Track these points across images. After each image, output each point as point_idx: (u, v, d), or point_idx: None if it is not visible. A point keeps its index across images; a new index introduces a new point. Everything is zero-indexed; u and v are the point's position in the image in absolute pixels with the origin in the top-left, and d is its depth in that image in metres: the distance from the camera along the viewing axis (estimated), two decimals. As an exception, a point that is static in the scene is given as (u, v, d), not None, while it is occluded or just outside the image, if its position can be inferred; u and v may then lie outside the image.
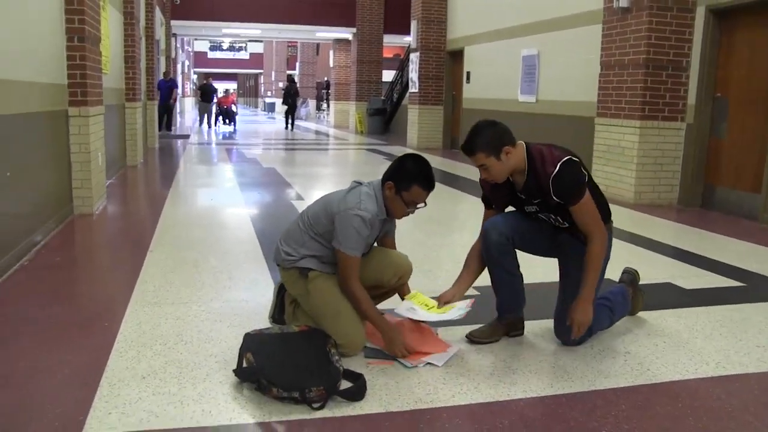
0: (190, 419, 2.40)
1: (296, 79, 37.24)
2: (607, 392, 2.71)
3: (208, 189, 8.77)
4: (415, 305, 3.12)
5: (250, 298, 3.84)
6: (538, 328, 3.36)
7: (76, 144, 6.03)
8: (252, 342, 2.78)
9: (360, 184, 3.09)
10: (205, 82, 22.82)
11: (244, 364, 2.68)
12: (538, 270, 3.74)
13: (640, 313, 3.65)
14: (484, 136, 2.92)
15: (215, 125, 22.74)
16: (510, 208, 3.24)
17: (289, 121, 22.83)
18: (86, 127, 6.05)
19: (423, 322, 3.09)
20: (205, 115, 22.38)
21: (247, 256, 4.82)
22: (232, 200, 7.63)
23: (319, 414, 2.45)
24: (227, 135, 19.34)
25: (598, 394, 2.69)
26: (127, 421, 2.37)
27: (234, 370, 2.70)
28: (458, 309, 3.04)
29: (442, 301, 3.11)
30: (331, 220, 2.98)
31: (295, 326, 3.00)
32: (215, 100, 22.75)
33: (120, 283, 4.24)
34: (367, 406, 2.53)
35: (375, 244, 3.25)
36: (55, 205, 5.57)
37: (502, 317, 3.27)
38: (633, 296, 3.55)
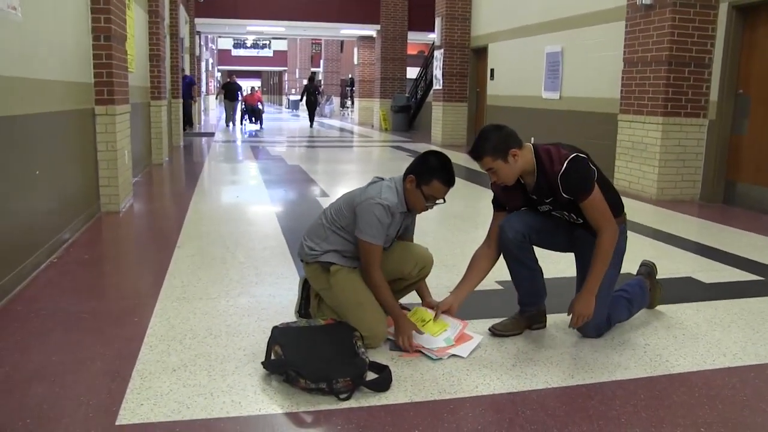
0: (220, 410, 2.49)
1: (320, 77, 37.80)
2: (626, 383, 2.77)
3: (233, 186, 8.90)
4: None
5: (277, 294, 3.92)
6: (559, 320, 3.41)
7: (102, 142, 6.15)
8: (280, 335, 2.86)
9: (381, 179, 3.18)
10: (228, 80, 22.73)
11: (273, 357, 2.77)
12: (560, 264, 3.79)
13: (660, 307, 3.69)
14: (491, 140, 2.97)
15: (241, 124, 22.37)
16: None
17: (311, 117, 23.57)
18: (113, 126, 6.17)
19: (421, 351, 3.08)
20: (231, 114, 22.10)
21: (273, 252, 4.92)
22: (257, 197, 7.74)
23: (345, 404, 2.53)
24: (253, 133, 19.32)
25: (618, 385, 2.75)
26: (159, 412, 2.46)
27: (263, 363, 2.79)
28: (452, 328, 3.10)
29: (441, 309, 3.16)
30: (353, 212, 3.07)
31: (321, 320, 3.08)
32: (240, 98, 22.31)
33: (149, 278, 4.35)
34: (393, 397, 2.60)
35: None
36: (82, 203, 5.69)
37: (524, 311, 3.33)
38: (651, 289, 3.58)
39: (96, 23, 5.95)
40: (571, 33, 10.48)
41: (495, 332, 3.26)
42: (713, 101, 7.48)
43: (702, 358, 3.04)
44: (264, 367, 2.77)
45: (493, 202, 3.32)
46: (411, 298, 3.47)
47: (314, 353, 2.75)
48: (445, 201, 3.12)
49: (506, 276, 3.37)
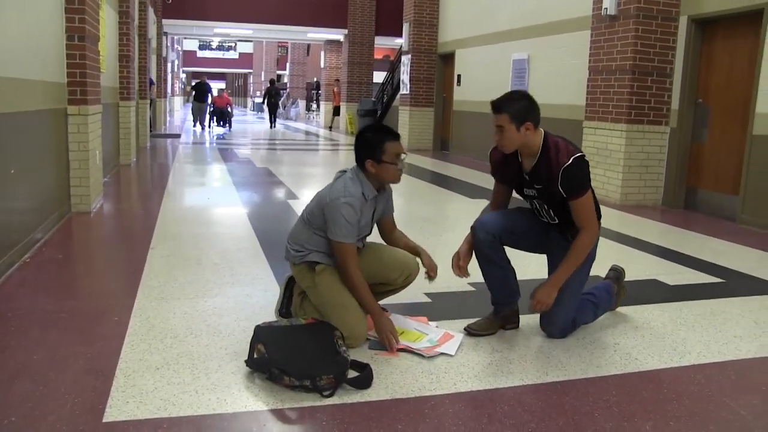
0: (206, 407, 2.53)
1: (286, 79, 37.93)
2: (598, 380, 2.89)
3: (203, 188, 8.89)
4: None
5: (253, 294, 3.97)
6: (533, 321, 3.51)
7: (74, 142, 6.13)
8: (263, 334, 2.92)
9: (344, 172, 3.27)
10: (198, 80, 22.14)
11: (255, 356, 2.82)
12: (532, 266, 3.91)
13: (628, 308, 3.83)
14: (518, 103, 3.09)
15: (209, 126, 21.60)
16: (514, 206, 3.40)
17: (272, 119, 24.64)
18: (85, 126, 6.15)
19: (402, 350, 3.14)
20: (199, 116, 21.29)
21: (247, 254, 4.96)
22: (228, 199, 7.75)
23: (329, 401, 2.60)
24: (220, 136, 19.06)
25: (590, 382, 2.86)
26: (145, 409, 2.49)
27: (246, 361, 2.84)
28: (428, 340, 3.18)
29: (458, 257, 3.31)
30: (323, 212, 3.15)
31: (303, 319, 3.14)
32: (209, 100, 21.51)
33: (124, 278, 4.36)
34: (375, 394, 2.68)
35: (375, 227, 3.42)
36: (54, 203, 5.66)
37: (498, 311, 3.43)
38: (616, 292, 3.70)
39: (70, 23, 5.93)
40: (538, 41, 10.69)
41: (470, 332, 3.36)
42: (674, 110, 7.71)
43: (669, 356, 3.18)
44: (247, 366, 2.82)
45: (493, 174, 3.42)
46: (392, 300, 3.54)
47: (297, 352, 2.81)
48: (406, 154, 3.23)
49: (478, 278, 3.46)
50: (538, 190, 3.18)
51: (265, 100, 25.43)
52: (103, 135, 7.55)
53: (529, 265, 3.97)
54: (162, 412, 2.48)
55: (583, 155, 3.10)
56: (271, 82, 26.14)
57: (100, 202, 6.82)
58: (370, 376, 2.75)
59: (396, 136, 3.20)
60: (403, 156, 3.19)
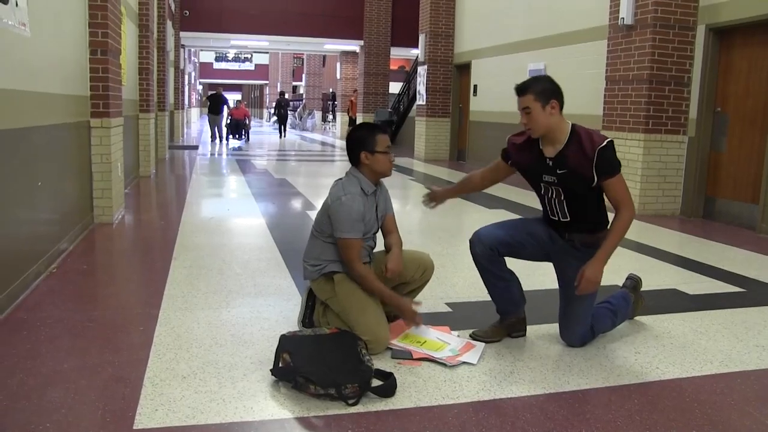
0: (233, 414, 2.58)
1: (302, 90, 38.70)
2: (620, 388, 2.91)
3: (223, 198, 8.98)
4: (410, 345, 3.27)
5: (276, 303, 4.02)
6: (553, 330, 3.54)
7: (97, 154, 6.23)
8: (288, 343, 2.96)
9: (340, 179, 3.42)
10: (214, 92, 21.67)
11: (281, 364, 2.87)
12: (538, 277, 3.94)
13: (648, 317, 3.84)
14: (541, 82, 3.16)
15: (226, 139, 20.91)
16: (512, 214, 3.43)
17: (282, 130, 25.67)
18: (107, 138, 6.25)
19: (424, 359, 3.18)
20: (216, 128, 20.58)
21: (269, 264, 5.01)
22: (248, 210, 7.83)
23: (353, 409, 2.63)
24: (236, 148, 18.88)
25: (612, 390, 2.89)
26: (174, 417, 2.54)
27: (271, 370, 2.88)
28: (450, 350, 3.21)
29: (434, 193, 3.52)
30: (328, 217, 3.28)
31: (327, 329, 3.19)
32: (225, 112, 21.04)
33: (148, 288, 4.43)
34: (399, 402, 2.71)
35: (380, 230, 3.50)
36: (77, 214, 5.75)
37: (504, 319, 3.46)
38: (634, 301, 3.71)
39: (94, 37, 6.04)
40: (554, 51, 10.72)
41: (475, 338, 3.39)
42: (692, 119, 7.71)
43: (690, 365, 3.19)
44: (273, 375, 2.87)
45: (503, 153, 3.46)
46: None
47: (322, 360, 2.86)
48: (390, 145, 3.36)
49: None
50: (560, 175, 3.18)
51: (276, 112, 26.86)
52: (124, 147, 7.65)
53: (536, 276, 3.99)
54: (190, 420, 2.53)
55: (613, 141, 3.15)
56: (281, 94, 27.59)
57: (121, 213, 6.91)
58: (394, 384, 2.79)
59: (384, 131, 3.36)
60: (389, 147, 3.35)
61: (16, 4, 3.86)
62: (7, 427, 2.46)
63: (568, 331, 3.35)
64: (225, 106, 20.89)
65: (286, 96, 29.38)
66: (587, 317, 3.32)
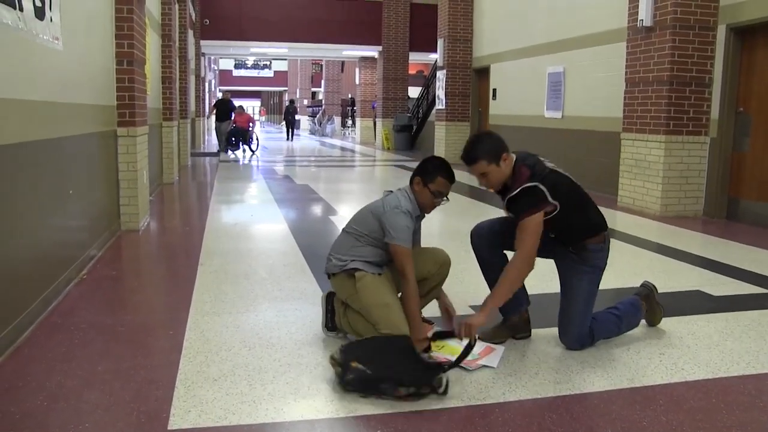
0: (264, 416, 2.64)
1: (321, 96, 39.68)
2: (645, 389, 2.93)
3: (246, 204, 9.07)
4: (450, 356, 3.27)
5: (302, 307, 4.08)
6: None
7: (124, 162, 6.34)
8: (353, 351, 2.96)
9: (391, 191, 3.47)
10: (221, 98, 20.14)
11: (352, 375, 2.82)
12: (545, 282, 3.96)
13: (673, 318, 3.84)
14: (486, 143, 3.18)
15: (225, 151, 18.20)
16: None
17: (290, 133, 28.62)
18: (134, 146, 6.36)
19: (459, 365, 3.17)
20: (223, 138, 18.38)
21: (294, 269, 5.08)
22: (271, 215, 7.92)
23: (382, 410, 2.69)
24: (238, 159, 16.90)
25: (637, 391, 2.91)
26: (207, 418, 2.61)
27: (342, 384, 2.84)
28: (470, 354, 3.19)
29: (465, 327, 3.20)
30: (379, 220, 3.34)
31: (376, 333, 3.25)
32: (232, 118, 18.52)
33: (176, 294, 4.51)
34: (425, 404, 2.76)
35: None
36: (105, 222, 5.86)
37: (506, 318, 3.48)
38: (649, 309, 3.67)
39: (120, 48, 6.16)
40: (573, 54, 10.72)
41: (480, 339, 3.41)
42: (714, 119, 7.68)
43: (716, 366, 3.20)
44: (346, 387, 2.83)
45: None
46: (437, 313, 3.63)
47: (392, 362, 2.88)
48: (448, 199, 3.40)
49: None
50: (511, 212, 3.26)
51: (285, 118, 30.07)
52: (148, 155, 7.77)
53: (543, 279, 4.01)
54: (222, 421, 2.60)
55: (536, 186, 3.10)
56: (291, 101, 30.61)
57: (147, 220, 7.02)
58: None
59: (451, 177, 3.37)
60: (445, 198, 3.39)
61: (51, 20, 3.97)
62: (49, 427, 2.54)
63: (563, 330, 3.38)
64: (233, 114, 18.58)
65: (295, 104, 31.96)
66: (583, 320, 3.32)
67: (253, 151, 18.20)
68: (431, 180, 3.34)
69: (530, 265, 3.14)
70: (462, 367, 3.11)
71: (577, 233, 3.29)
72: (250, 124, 18.51)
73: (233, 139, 18.13)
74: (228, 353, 3.30)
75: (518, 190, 3.11)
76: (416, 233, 3.52)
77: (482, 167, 3.15)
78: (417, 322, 3.29)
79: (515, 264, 3.13)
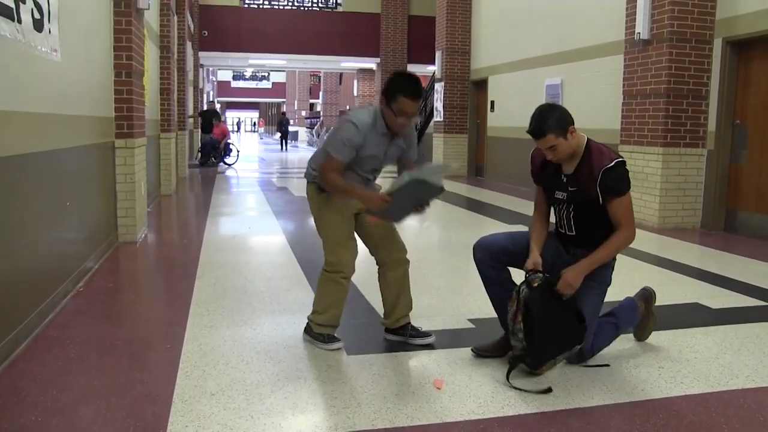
0: (262, 431, 2.62)
1: (319, 108, 41.09)
2: (644, 403, 2.92)
3: (244, 216, 9.06)
4: None
5: (300, 321, 4.02)
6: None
7: (121, 174, 6.33)
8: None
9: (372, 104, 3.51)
10: (206, 108, 19.51)
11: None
12: None
13: (671, 332, 3.83)
14: (553, 117, 3.16)
15: (200, 162, 17.44)
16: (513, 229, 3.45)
17: (284, 144, 30.48)
18: (131, 158, 6.36)
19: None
20: (209, 149, 17.61)
21: (292, 282, 5.06)
22: (268, 227, 7.90)
23: (381, 425, 2.67)
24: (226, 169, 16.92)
25: (636, 405, 2.90)
26: (204, 433, 2.60)
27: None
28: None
29: (537, 263, 3.25)
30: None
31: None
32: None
33: (174, 307, 4.49)
34: (424, 418, 2.74)
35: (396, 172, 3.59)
36: (102, 234, 5.85)
37: (507, 333, 3.44)
38: (644, 315, 3.64)
39: (118, 60, 6.17)
40: (571, 66, 10.75)
41: (477, 353, 3.42)
42: (711, 132, 7.70)
43: (716, 379, 3.19)
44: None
45: (533, 178, 3.50)
46: (436, 326, 3.60)
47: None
48: (418, 117, 3.37)
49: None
50: (571, 192, 3.24)
51: (278, 128, 32.39)
52: (146, 166, 7.76)
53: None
54: (220, 436, 2.58)
55: (624, 161, 3.19)
56: (283, 113, 33.83)
57: (144, 232, 7.01)
58: None
59: (414, 94, 3.22)
60: (414, 119, 3.32)
61: (49, 32, 3.98)
62: (44, 444, 2.52)
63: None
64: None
65: (287, 116, 34.83)
66: (588, 335, 3.28)
67: (228, 165, 17.80)
68: (393, 99, 3.23)
69: (632, 240, 3.25)
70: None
71: (595, 237, 3.26)
72: (225, 137, 17.88)
73: (206, 151, 17.56)
74: (226, 367, 3.29)
75: (613, 162, 3.13)
76: (405, 152, 3.52)
77: (551, 140, 3.14)
78: (354, 191, 3.31)
79: (622, 235, 3.20)
